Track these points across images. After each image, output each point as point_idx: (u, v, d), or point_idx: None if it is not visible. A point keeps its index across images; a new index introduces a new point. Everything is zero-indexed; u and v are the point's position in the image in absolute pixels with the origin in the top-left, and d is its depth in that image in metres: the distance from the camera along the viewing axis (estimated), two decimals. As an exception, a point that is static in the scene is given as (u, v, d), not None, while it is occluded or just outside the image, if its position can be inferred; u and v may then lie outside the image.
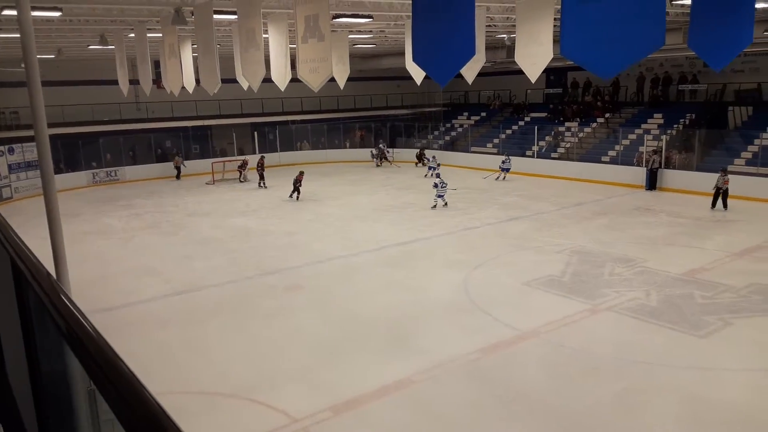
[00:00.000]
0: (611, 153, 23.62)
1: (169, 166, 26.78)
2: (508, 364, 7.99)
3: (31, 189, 22.27)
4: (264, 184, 23.41)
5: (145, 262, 13.38)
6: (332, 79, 12.33)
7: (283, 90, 11.09)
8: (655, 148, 21.33)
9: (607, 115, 26.28)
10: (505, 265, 12.38)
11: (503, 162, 23.62)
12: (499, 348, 8.44)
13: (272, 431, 6.53)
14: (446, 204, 18.30)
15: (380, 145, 29.59)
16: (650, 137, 22.66)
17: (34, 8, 10.76)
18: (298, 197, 20.45)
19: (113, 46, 16.56)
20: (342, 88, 14.26)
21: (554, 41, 10.17)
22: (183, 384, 7.64)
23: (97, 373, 0.86)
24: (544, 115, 28.81)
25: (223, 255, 13.78)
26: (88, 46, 18.96)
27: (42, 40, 17.02)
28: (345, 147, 31.64)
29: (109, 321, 9.76)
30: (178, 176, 26.31)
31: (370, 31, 18.91)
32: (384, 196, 20.78)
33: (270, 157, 28.78)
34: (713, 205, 16.95)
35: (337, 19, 13.59)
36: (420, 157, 28.41)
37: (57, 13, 11.71)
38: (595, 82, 27.61)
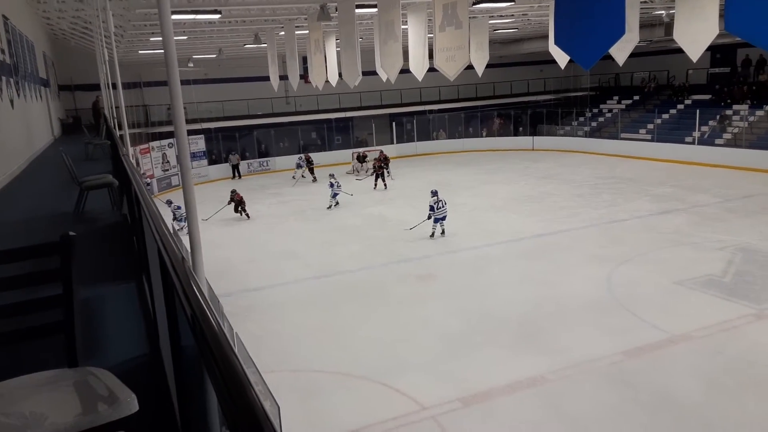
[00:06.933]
0: (789, 139, 20.72)
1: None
2: (655, 369, 7.37)
3: (195, 177, 24.83)
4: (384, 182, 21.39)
5: (289, 247, 14.27)
6: (470, 67, 12.15)
7: (420, 80, 11.15)
8: None
9: (785, 95, 23.07)
10: (655, 261, 11.41)
11: (332, 184, 18.22)
12: (645, 351, 7.82)
13: (402, 416, 6.67)
14: None
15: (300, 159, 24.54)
16: (841, 120, 19.51)
17: (198, 12, 11.89)
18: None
19: (266, 44, 17.81)
20: (480, 75, 14.01)
21: (720, 16, 9.14)
22: (318, 363, 8.06)
23: (209, 360, 0.91)
24: (707, 97, 25.99)
25: (360, 242, 14.27)
26: (244, 45, 20.54)
27: (205, 41, 18.78)
28: (482, 136, 31.13)
29: (255, 300, 10.63)
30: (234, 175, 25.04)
31: (512, 15, 18.31)
32: (523, 186, 20.13)
33: (406, 147, 29.25)
34: None
35: (478, 5, 13.31)
36: (361, 160, 24.75)
37: (217, 16, 12.80)
38: (772, 58, 24.32)
